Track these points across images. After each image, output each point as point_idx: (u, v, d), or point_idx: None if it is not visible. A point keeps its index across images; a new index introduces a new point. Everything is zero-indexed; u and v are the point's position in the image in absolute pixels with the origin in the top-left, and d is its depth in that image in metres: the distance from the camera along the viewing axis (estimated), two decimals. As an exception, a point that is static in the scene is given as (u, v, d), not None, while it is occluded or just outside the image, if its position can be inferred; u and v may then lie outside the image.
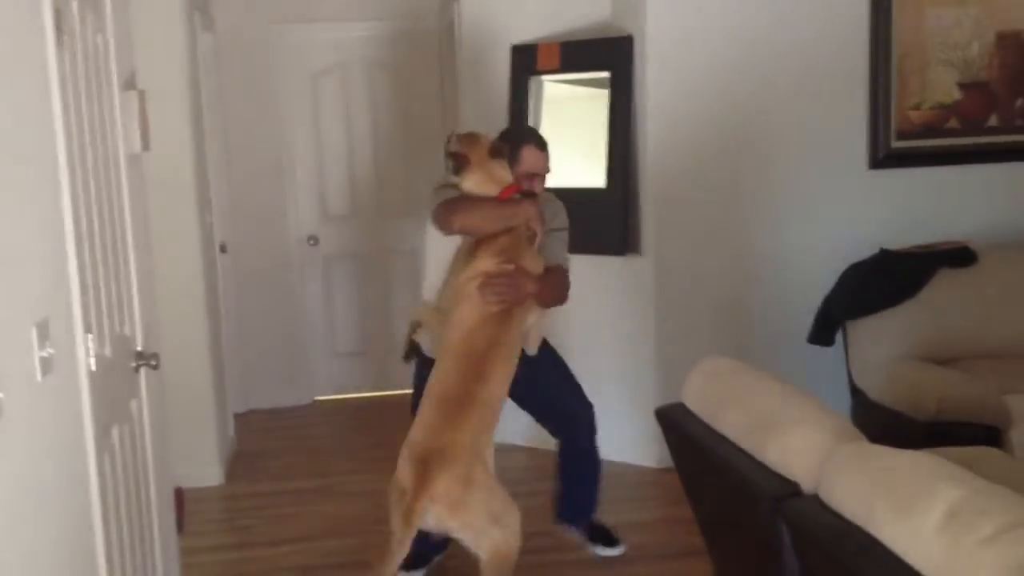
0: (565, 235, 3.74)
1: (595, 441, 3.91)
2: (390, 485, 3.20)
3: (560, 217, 3.75)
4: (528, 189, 3.58)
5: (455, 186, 3.52)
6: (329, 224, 6.43)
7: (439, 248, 3.59)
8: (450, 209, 3.44)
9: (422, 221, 3.68)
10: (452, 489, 3.05)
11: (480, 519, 3.10)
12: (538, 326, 3.58)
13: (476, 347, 3.23)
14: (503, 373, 3.27)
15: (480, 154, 3.49)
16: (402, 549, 3.00)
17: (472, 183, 3.48)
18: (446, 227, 3.46)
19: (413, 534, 2.99)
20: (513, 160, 3.58)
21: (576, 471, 3.89)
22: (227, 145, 6.09)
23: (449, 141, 3.60)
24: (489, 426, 3.24)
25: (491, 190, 3.47)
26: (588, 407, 3.89)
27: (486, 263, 3.34)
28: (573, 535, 3.97)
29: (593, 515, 3.98)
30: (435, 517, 3.04)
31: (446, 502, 3.04)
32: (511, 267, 3.34)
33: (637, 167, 5.00)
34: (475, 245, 3.41)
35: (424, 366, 3.59)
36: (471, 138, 3.57)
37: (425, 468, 3.05)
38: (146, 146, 3.43)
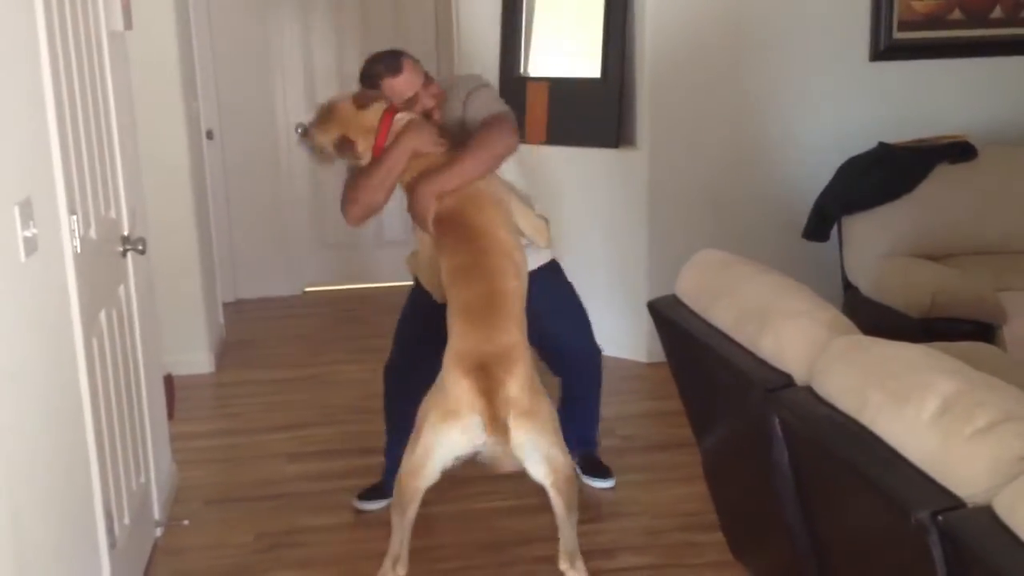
0: (483, 91, 3.29)
1: (598, 389, 3.73)
2: (433, 404, 2.82)
3: (469, 82, 3.35)
4: (422, 110, 3.20)
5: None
6: (318, 112, 6.31)
7: None
8: (342, 203, 3.16)
9: None
10: (522, 396, 2.74)
11: (550, 432, 2.80)
12: (522, 210, 3.17)
13: (467, 262, 2.93)
14: (502, 251, 2.94)
15: (350, 121, 3.07)
16: (508, 459, 2.74)
17: (364, 151, 3.09)
18: (351, 223, 3.18)
19: (510, 439, 2.71)
20: (383, 97, 3.18)
21: (574, 411, 3.64)
22: (212, 30, 5.94)
23: (308, 134, 3.18)
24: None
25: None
26: (595, 352, 3.68)
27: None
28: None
29: (593, 448, 3.80)
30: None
31: (519, 409, 2.73)
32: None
33: (633, 57, 4.89)
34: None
35: (420, 293, 3.36)
36: (329, 114, 3.12)
37: (489, 374, 2.71)
38: (128, 24, 3.33)
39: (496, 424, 2.68)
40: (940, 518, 1.70)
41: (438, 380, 2.84)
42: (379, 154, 3.07)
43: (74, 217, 2.52)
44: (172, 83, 4.71)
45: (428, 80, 3.27)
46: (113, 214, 3.07)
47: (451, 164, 3.03)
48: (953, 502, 1.73)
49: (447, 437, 2.77)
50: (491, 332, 2.81)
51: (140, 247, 3.18)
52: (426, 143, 3.06)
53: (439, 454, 2.80)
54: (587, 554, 3.21)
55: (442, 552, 3.35)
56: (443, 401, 2.78)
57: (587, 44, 4.99)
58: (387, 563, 3.00)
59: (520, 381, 2.75)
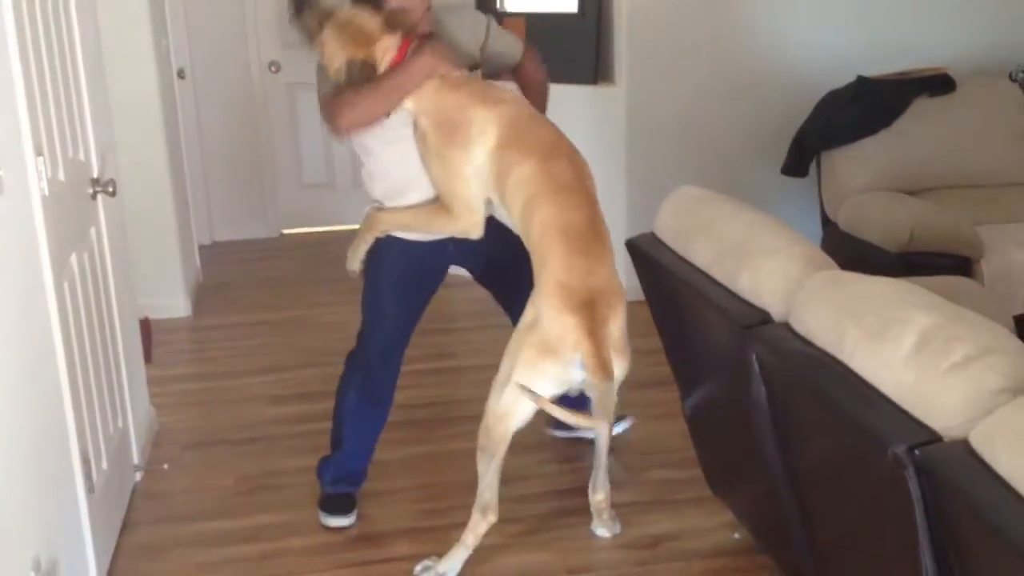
0: (499, 27, 3.16)
1: None
2: (529, 341, 2.64)
3: (475, 16, 3.15)
4: (418, 31, 2.89)
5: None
6: (291, 50, 6.19)
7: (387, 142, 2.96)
8: (333, 107, 2.83)
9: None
10: (621, 335, 2.66)
11: (629, 364, 2.77)
12: None
13: (566, 179, 2.75)
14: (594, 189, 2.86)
15: (370, 41, 2.82)
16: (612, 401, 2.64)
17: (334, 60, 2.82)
18: (336, 133, 2.90)
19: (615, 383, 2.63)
20: (379, 3, 2.88)
21: None
22: (182, -35, 5.81)
23: (304, 21, 2.88)
24: None
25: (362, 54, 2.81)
26: None
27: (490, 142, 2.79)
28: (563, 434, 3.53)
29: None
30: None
31: (618, 348, 2.66)
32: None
33: (610, -9, 4.82)
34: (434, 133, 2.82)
35: (390, 254, 3.07)
36: (348, 28, 2.82)
37: (594, 312, 2.58)
38: (93, -40, 3.25)
39: (603, 367, 2.55)
40: (917, 452, 1.71)
41: (532, 313, 2.66)
42: (392, 67, 2.83)
43: (40, 159, 2.47)
44: (141, 20, 4.60)
45: (428, 5, 3.01)
46: (82, 156, 3.01)
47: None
48: (930, 436, 1.74)
49: (545, 376, 2.63)
50: (596, 264, 2.66)
51: (110, 189, 3.12)
52: (448, 65, 2.83)
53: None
54: (569, 492, 3.24)
55: (426, 492, 3.37)
56: (541, 337, 2.62)
57: (563, -22, 4.91)
58: (476, 514, 2.84)
59: (621, 320, 2.66)
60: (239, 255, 6.05)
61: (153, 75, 4.70)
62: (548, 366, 2.61)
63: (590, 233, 2.70)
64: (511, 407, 2.70)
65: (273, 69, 6.17)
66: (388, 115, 2.87)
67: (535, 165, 2.75)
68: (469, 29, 3.08)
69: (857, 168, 4.40)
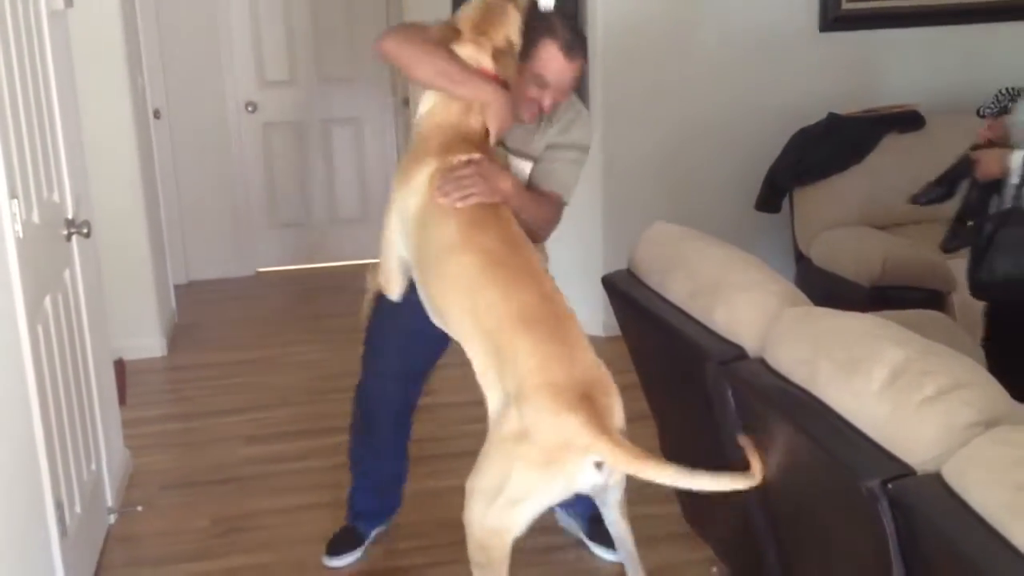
0: (577, 156, 2.89)
1: None
2: (519, 453, 2.26)
3: (575, 131, 2.87)
4: (527, 102, 2.71)
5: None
6: (267, 90, 6.23)
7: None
8: (398, 29, 2.68)
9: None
10: (623, 422, 2.33)
11: None
12: None
13: (499, 252, 2.44)
14: (541, 262, 2.60)
15: (489, 32, 2.63)
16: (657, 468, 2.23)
17: (467, 55, 2.63)
18: (376, 44, 2.65)
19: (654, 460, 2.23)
20: (527, 52, 2.68)
21: None
22: (157, 4, 5.83)
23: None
24: None
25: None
26: None
27: (435, 162, 2.54)
28: (573, 533, 3.32)
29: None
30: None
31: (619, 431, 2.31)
32: (476, 156, 2.53)
33: (585, 31, 4.86)
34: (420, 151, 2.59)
35: (393, 307, 2.87)
36: (492, 10, 2.64)
37: (597, 405, 2.25)
38: (68, 2, 3.26)
39: (630, 456, 2.20)
40: (890, 486, 1.72)
41: (513, 421, 2.28)
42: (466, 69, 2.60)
43: (15, 201, 2.46)
44: (116, 61, 4.62)
45: (566, 94, 2.83)
46: (56, 197, 3.01)
47: (538, 194, 2.75)
48: (903, 470, 1.75)
49: (550, 488, 2.28)
50: (573, 351, 2.33)
51: (85, 230, 3.12)
52: (501, 117, 2.60)
53: (535, 507, 2.30)
54: (545, 530, 3.22)
55: (401, 531, 3.35)
56: (539, 448, 2.24)
57: (538, 18, 4.96)
58: None
59: (621, 404, 2.33)
60: (214, 294, 6.03)
61: (128, 115, 4.70)
62: (553, 477, 2.25)
63: (551, 318, 2.38)
64: (507, 519, 2.30)
65: (250, 109, 6.19)
66: (419, 83, 2.67)
67: (457, 228, 2.47)
68: (552, 129, 2.85)
69: (829, 204, 4.45)
